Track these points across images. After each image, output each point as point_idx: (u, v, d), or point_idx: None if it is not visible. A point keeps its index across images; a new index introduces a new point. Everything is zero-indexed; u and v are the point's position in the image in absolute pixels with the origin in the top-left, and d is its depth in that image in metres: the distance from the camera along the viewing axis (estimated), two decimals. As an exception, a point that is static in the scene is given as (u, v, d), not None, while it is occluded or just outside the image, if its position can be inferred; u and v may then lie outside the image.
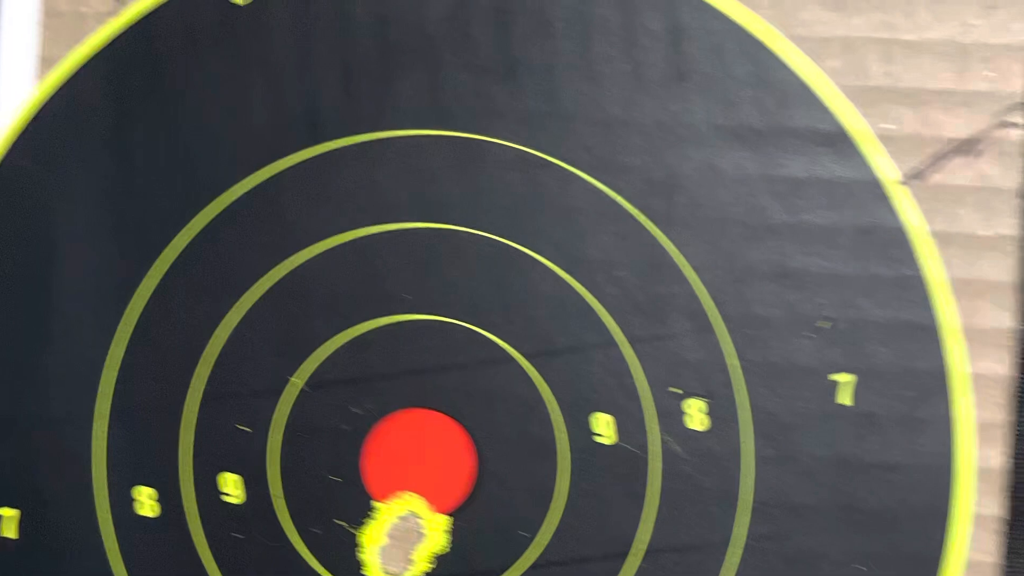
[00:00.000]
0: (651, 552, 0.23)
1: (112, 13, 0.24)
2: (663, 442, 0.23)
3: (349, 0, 0.23)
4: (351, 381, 0.23)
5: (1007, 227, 0.23)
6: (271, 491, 0.23)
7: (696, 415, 0.23)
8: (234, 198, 0.24)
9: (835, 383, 0.23)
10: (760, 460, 0.23)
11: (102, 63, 0.24)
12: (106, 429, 0.24)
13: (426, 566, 0.23)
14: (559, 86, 0.23)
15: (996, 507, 0.22)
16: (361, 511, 0.24)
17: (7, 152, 0.24)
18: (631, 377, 0.23)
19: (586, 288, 0.23)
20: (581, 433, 0.23)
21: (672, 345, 0.23)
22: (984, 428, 0.23)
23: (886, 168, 0.23)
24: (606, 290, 0.23)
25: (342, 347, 0.24)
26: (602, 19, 0.23)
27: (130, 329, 0.24)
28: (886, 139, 0.23)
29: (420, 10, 0.23)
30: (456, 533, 0.23)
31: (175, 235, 0.24)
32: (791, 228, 0.23)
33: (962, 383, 0.22)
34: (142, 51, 0.24)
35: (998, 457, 0.22)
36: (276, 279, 0.24)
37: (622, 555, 0.23)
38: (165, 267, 0.24)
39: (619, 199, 0.23)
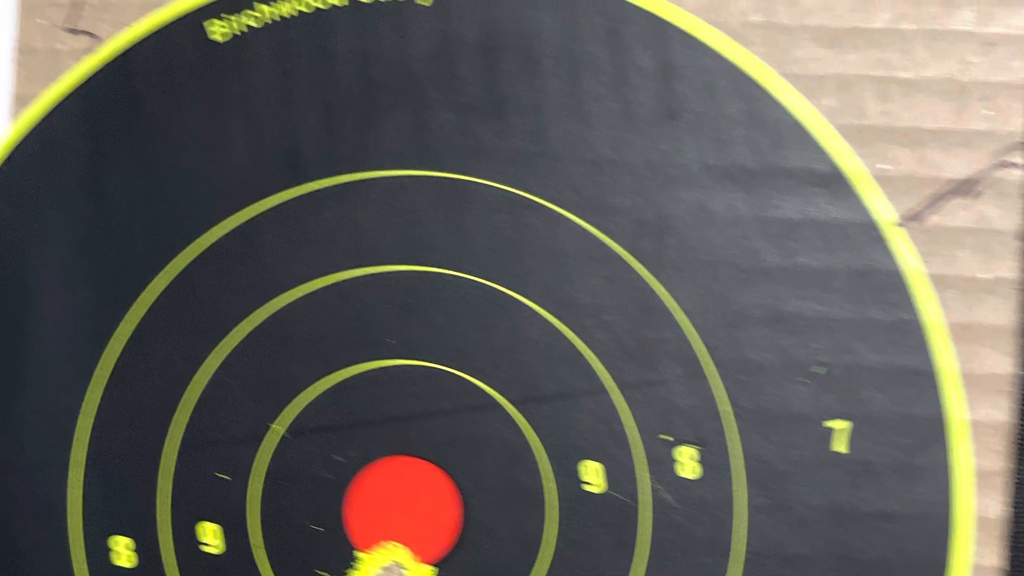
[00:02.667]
0: (641, 604, 0.22)
1: (88, 50, 0.23)
2: (654, 491, 0.22)
3: (331, 37, 0.23)
4: (333, 428, 0.23)
5: (1007, 270, 0.22)
6: (251, 541, 0.23)
7: (687, 463, 0.22)
8: (213, 240, 0.23)
9: (830, 430, 0.22)
10: (753, 509, 0.22)
11: (78, 101, 0.23)
12: (82, 477, 0.23)
13: (411, 617, 0.23)
14: (547, 125, 0.23)
15: (995, 557, 0.22)
16: (344, 561, 0.23)
17: (-19, 192, 0.23)
18: (621, 424, 0.22)
19: (575, 333, 0.23)
20: (569, 481, 0.23)
21: (663, 391, 0.22)
22: (983, 476, 0.22)
23: (882, 209, 0.22)
24: (595, 335, 0.23)
25: (324, 393, 0.23)
26: (591, 57, 0.23)
27: (107, 374, 0.23)
28: (882, 179, 0.22)
29: (404, 47, 0.23)
30: (441, 584, 0.23)
31: (153, 278, 0.23)
32: (785, 271, 0.22)
33: (960, 430, 0.22)
34: (119, 89, 0.23)
35: (997, 506, 0.22)
36: (256, 323, 0.23)
37: (611, 607, 0.22)
38: (143, 311, 0.23)
39: (608, 241, 0.23)
